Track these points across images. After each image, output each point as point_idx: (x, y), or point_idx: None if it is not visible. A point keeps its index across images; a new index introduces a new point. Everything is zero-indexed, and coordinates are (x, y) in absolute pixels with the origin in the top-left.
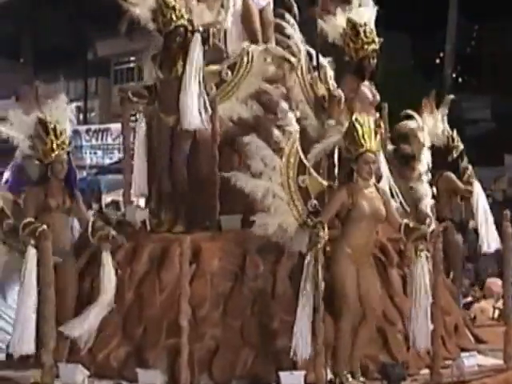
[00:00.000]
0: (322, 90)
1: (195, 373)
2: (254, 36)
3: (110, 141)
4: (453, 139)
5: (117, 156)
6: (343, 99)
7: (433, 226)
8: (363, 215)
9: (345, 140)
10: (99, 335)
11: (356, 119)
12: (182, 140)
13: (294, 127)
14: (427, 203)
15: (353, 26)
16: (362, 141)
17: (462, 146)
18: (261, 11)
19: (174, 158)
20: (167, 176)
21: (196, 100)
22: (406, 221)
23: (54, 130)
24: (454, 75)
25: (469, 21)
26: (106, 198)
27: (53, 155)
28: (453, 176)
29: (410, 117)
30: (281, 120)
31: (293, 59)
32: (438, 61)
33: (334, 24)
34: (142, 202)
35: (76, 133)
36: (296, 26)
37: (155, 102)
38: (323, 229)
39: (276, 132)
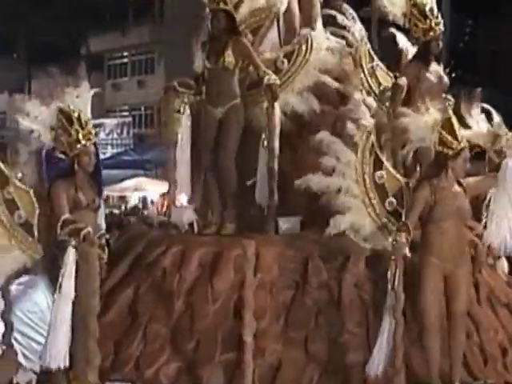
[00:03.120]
0: (384, 79)
1: None
2: (291, 24)
3: (103, 136)
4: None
5: (110, 151)
6: (405, 87)
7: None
8: (447, 215)
9: (442, 134)
10: (146, 349)
11: (453, 114)
12: (231, 134)
13: (369, 120)
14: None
15: (417, 4)
16: (461, 136)
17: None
18: None
19: (221, 153)
20: (214, 173)
21: None
22: None
23: (79, 119)
24: (447, 71)
25: (462, 16)
26: None
27: (79, 147)
28: None
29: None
30: (354, 113)
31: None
32: None
33: (395, 2)
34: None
35: None
36: (355, 15)
37: (202, 93)
38: (408, 233)
39: (350, 125)
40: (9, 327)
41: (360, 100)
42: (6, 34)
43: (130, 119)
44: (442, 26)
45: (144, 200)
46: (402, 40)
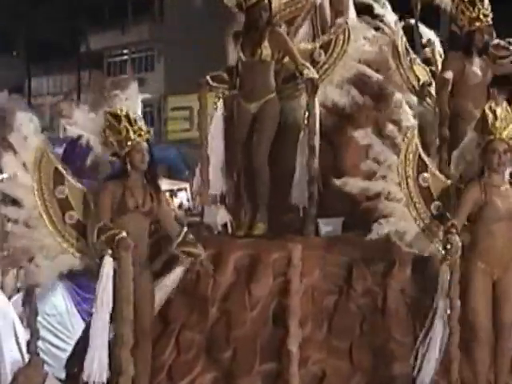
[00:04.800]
0: (422, 73)
1: None
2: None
3: None
4: None
5: None
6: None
7: None
8: (497, 216)
9: (476, 130)
10: (179, 358)
11: (490, 106)
12: (266, 130)
13: (412, 121)
14: None
15: None
16: (492, 129)
17: None
18: None
19: (254, 150)
20: (246, 170)
21: None
22: None
23: (127, 116)
24: None
25: None
26: None
27: (129, 144)
28: None
29: None
30: (395, 113)
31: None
32: None
33: None
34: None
35: None
36: (388, 5)
37: (236, 87)
38: (457, 233)
39: (390, 126)
40: (34, 335)
41: (401, 100)
42: (6, 32)
43: None
44: (490, 19)
45: None
46: (425, 32)
